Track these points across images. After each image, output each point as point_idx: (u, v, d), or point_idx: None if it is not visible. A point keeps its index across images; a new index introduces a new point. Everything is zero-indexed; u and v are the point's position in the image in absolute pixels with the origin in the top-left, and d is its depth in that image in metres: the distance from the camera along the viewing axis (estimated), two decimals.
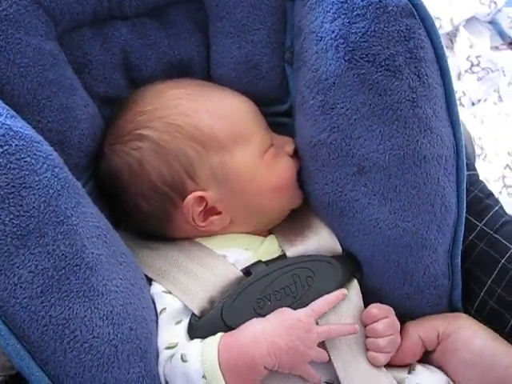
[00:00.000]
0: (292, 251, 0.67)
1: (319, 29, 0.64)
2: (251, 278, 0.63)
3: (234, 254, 0.66)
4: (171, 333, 0.61)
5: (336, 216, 0.67)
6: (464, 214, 0.66)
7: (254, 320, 0.60)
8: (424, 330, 0.64)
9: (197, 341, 0.60)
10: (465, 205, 0.66)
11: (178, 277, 0.64)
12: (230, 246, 0.67)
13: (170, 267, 0.65)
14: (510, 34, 1.23)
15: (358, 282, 0.68)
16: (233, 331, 0.60)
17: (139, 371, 0.57)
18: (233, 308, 0.61)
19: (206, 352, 0.58)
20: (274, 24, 0.71)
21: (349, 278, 0.67)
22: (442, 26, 1.23)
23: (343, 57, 0.62)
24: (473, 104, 1.22)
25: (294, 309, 0.62)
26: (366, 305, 0.67)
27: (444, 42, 1.25)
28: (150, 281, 0.65)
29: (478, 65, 1.21)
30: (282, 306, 0.62)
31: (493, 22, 1.27)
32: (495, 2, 1.22)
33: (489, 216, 0.72)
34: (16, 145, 0.53)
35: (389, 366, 0.65)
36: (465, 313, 0.71)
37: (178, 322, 0.62)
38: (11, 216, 0.51)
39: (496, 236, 0.70)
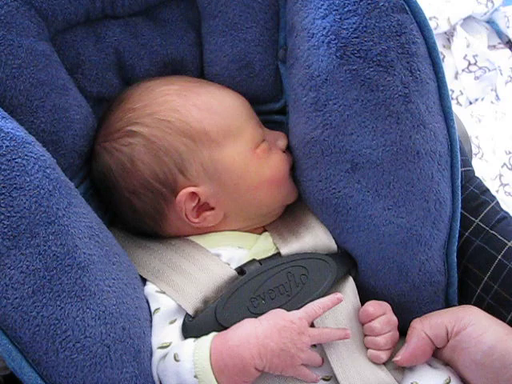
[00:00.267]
0: (286, 249, 0.66)
1: (311, 25, 0.64)
2: (245, 278, 0.63)
3: (227, 253, 0.65)
4: (165, 332, 0.61)
5: (330, 213, 0.67)
6: (459, 210, 0.66)
7: (246, 321, 0.60)
8: (431, 328, 0.62)
9: (190, 340, 0.60)
10: (460, 201, 0.66)
11: (172, 277, 0.64)
12: (223, 245, 0.67)
13: (164, 267, 0.65)
14: (507, 33, 1.23)
15: (354, 279, 0.68)
16: (225, 331, 0.60)
17: (132, 371, 0.57)
18: (226, 307, 0.61)
19: (198, 352, 0.58)
20: (266, 22, 0.71)
21: (344, 275, 0.67)
22: (439, 26, 1.23)
23: (335, 53, 0.61)
24: (470, 103, 1.21)
25: (289, 307, 0.62)
26: (362, 302, 0.67)
27: (441, 41, 1.25)
28: (144, 281, 0.65)
29: (475, 64, 1.21)
30: (276, 305, 0.62)
31: (490, 21, 1.26)
32: (492, 1, 1.22)
33: (485, 212, 0.71)
34: (7, 146, 0.53)
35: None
36: None
37: (172, 322, 0.62)
38: (2, 217, 0.51)
39: (492, 232, 0.70)
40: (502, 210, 0.72)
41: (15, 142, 0.53)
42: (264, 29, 0.71)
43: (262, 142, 0.68)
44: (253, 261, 0.65)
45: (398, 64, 0.60)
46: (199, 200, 0.66)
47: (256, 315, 0.61)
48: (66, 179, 0.58)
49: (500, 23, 1.24)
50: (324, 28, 0.62)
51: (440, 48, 1.25)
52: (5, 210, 0.51)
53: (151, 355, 0.60)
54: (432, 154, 0.63)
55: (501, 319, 0.67)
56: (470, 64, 1.21)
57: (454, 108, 1.19)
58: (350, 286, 0.67)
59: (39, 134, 0.61)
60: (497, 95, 1.18)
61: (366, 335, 0.64)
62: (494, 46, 1.24)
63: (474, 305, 0.70)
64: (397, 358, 0.62)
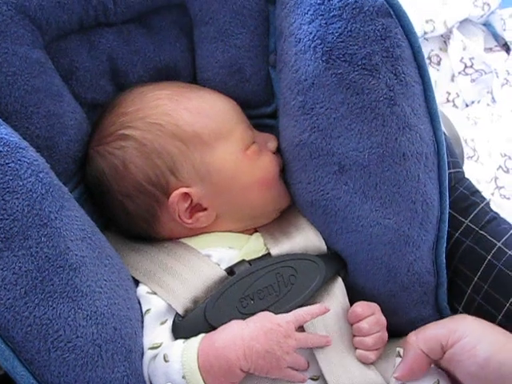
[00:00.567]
0: (277, 250, 0.68)
1: (298, 30, 0.65)
2: (234, 278, 0.64)
3: (218, 253, 0.67)
4: (156, 333, 0.62)
5: (319, 214, 0.68)
6: (447, 212, 0.67)
7: (234, 322, 0.61)
8: (426, 343, 0.62)
9: (179, 341, 0.61)
10: (448, 202, 0.67)
11: (163, 278, 0.65)
12: (214, 245, 0.68)
13: (156, 268, 0.66)
14: (503, 35, 1.23)
15: (343, 279, 0.69)
16: (212, 332, 0.61)
17: (124, 370, 0.58)
18: (216, 308, 0.62)
19: (186, 353, 0.59)
20: (256, 28, 0.72)
21: (333, 276, 0.68)
22: (436, 28, 1.23)
23: (321, 57, 0.63)
24: (466, 105, 1.22)
25: (277, 307, 0.63)
26: (351, 302, 0.67)
27: (438, 44, 1.25)
28: (137, 283, 0.66)
29: (471, 66, 1.22)
30: (265, 305, 0.63)
31: (486, 24, 1.27)
32: (488, 4, 1.22)
33: (474, 213, 0.72)
34: (0, 151, 0.54)
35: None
36: (452, 311, 0.72)
37: (163, 323, 0.63)
38: None
39: (482, 232, 0.71)
40: (491, 210, 0.73)
41: (8, 147, 0.55)
42: (254, 35, 0.72)
43: (253, 144, 0.70)
44: (242, 261, 0.66)
45: (382, 67, 0.62)
46: (192, 201, 0.67)
47: (245, 315, 0.62)
48: (59, 183, 0.60)
49: (496, 26, 1.25)
50: (310, 33, 0.63)
51: (436, 51, 1.26)
52: None
53: (143, 355, 0.61)
54: (418, 156, 0.64)
55: (491, 319, 0.68)
56: (466, 67, 1.22)
57: (451, 110, 1.20)
58: (339, 287, 0.68)
59: (34, 139, 0.63)
60: (493, 98, 1.19)
61: (354, 335, 0.65)
62: (491, 49, 1.25)
63: (465, 305, 0.71)
64: (395, 375, 0.63)
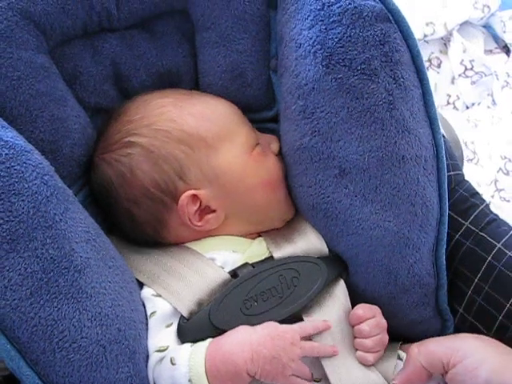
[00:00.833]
0: (279, 253, 0.68)
1: (298, 36, 0.66)
2: (237, 280, 0.64)
3: (222, 257, 0.67)
4: (161, 336, 0.63)
5: (320, 218, 0.69)
6: (447, 214, 0.68)
7: (241, 328, 0.62)
8: (426, 358, 0.62)
9: (187, 345, 0.61)
10: (447, 204, 0.67)
11: (168, 280, 0.66)
12: (218, 249, 0.68)
13: (160, 271, 0.67)
14: (503, 37, 1.24)
15: (345, 282, 0.70)
16: (220, 337, 0.61)
17: (128, 371, 0.59)
18: (220, 310, 0.63)
19: (193, 357, 0.59)
20: (258, 33, 0.73)
21: (335, 278, 0.69)
22: (436, 31, 1.24)
23: (321, 62, 0.63)
24: (467, 107, 1.22)
25: (281, 308, 0.64)
26: (353, 304, 0.68)
27: (438, 46, 1.26)
28: (141, 285, 0.67)
29: (471, 69, 1.22)
30: (268, 307, 0.64)
31: (486, 26, 1.27)
32: (489, 6, 1.23)
33: (474, 215, 0.73)
34: (6, 154, 0.55)
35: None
36: (452, 312, 0.73)
37: (169, 326, 0.63)
38: (1, 221, 0.53)
39: (482, 234, 0.72)
40: (491, 212, 0.74)
41: (14, 151, 0.56)
42: (256, 40, 0.73)
43: (257, 146, 0.71)
44: (246, 264, 0.66)
45: (381, 72, 0.62)
46: (201, 203, 0.68)
47: (249, 316, 0.63)
48: (63, 186, 0.61)
49: (496, 28, 1.25)
50: (310, 38, 0.64)
51: (437, 53, 1.27)
52: (4, 214, 0.53)
53: (147, 357, 0.62)
54: (417, 159, 0.65)
55: (492, 320, 0.69)
56: (466, 69, 1.23)
57: (451, 113, 1.21)
58: (340, 289, 0.69)
59: (38, 143, 0.64)
60: (493, 100, 1.19)
61: (355, 337, 0.66)
62: (491, 51, 1.25)
63: (466, 306, 0.72)
64: (394, 382, 0.64)
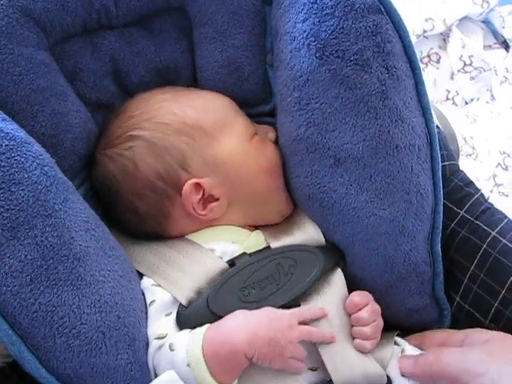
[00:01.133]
0: (276, 244, 0.69)
1: (292, 29, 0.67)
2: (235, 268, 0.65)
3: (221, 247, 0.68)
4: (161, 324, 0.64)
5: (317, 207, 0.70)
6: (441, 202, 0.68)
7: (239, 312, 0.62)
8: (438, 372, 0.63)
9: (185, 331, 0.62)
10: (441, 193, 0.68)
11: (168, 271, 0.67)
12: (218, 239, 0.69)
13: (160, 262, 0.68)
14: (502, 33, 1.24)
15: (342, 271, 0.70)
16: (218, 322, 0.62)
17: (127, 358, 0.60)
18: (218, 297, 0.63)
19: (191, 342, 0.60)
20: (253, 28, 0.74)
21: (332, 267, 0.70)
22: (435, 27, 1.24)
23: (315, 54, 0.64)
24: (466, 103, 1.23)
25: (278, 296, 0.65)
26: (349, 294, 0.69)
27: (437, 42, 1.26)
28: (141, 277, 0.68)
29: (470, 64, 1.23)
30: (265, 294, 0.65)
31: (486, 21, 1.28)
32: (488, 2, 1.23)
33: (469, 203, 0.74)
34: (6, 145, 0.57)
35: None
36: (449, 301, 0.73)
37: (168, 314, 0.64)
38: (1, 210, 0.54)
39: (477, 222, 0.72)
40: (486, 201, 0.74)
41: (14, 142, 0.57)
42: (252, 35, 0.74)
43: (255, 135, 0.72)
44: (243, 254, 0.67)
45: (374, 62, 0.63)
46: (204, 192, 0.69)
47: (247, 304, 0.64)
48: (63, 177, 0.62)
49: (495, 23, 1.26)
50: (304, 31, 0.65)
51: (436, 49, 1.27)
52: (4, 203, 0.55)
53: (147, 345, 0.63)
54: (411, 148, 0.65)
55: (488, 307, 0.70)
56: (465, 64, 1.23)
57: (450, 108, 1.21)
58: (338, 277, 0.69)
59: (40, 137, 0.65)
60: (492, 95, 1.19)
61: (353, 325, 0.66)
62: (490, 46, 1.26)
63: (462, 295, 0.73)
64: (401, 366, 0.65)
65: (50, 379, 0.57)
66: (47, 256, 0.56)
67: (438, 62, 1.26)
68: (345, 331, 0.66)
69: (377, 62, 0.63)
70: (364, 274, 0.70)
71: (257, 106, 0.78)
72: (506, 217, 0.72)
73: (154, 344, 0.62)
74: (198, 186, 0.69)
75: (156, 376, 0.61)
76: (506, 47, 1.25)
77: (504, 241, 0.69)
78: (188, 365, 0.59)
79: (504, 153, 1.13)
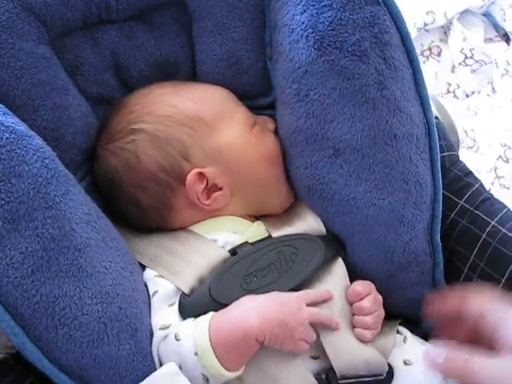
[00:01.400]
0: (278, 233, 0.70)
1: (291, 21, 0.67)
2: (237, 257, 0.66)
3: (223, 238, 0.69)
4: (164, 314, 0.64)
5: (317, 198, 0.70)
6: (441, 192, 0.69)
7: (244, 298, 0.63)
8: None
9: (189, 320, 0.62)
10: (440, 183, 0.68)
11: (170, 261, 0.67)
12: (220, 230, 0.70)
13: (162, 253, 0.68)
14: (503, 25, 1.24)
15: (343, 260, 0.71)
16: (223, 310, 0.62)
17: (129, 348, 0.60)
18: (220, 285, 0.64)
19: (197, 330, 0.60)
20: (252, 21, 0.75)
21: (333, 256, 0.70)
22: (436, 20, 1.24)
23: (313, 45, 0.65)
24: (467, 96, 1.23)
25: (280, 284, 0.65)
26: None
27: (438, 35, 1.26)
28: (143, 268, 0.68)
29: (471, 57, 1.23)
30: (267, 282, 0.65)
31: (486, 14, 1.28)
32: None
33: (469, 193, 0.74)
34: (7, 138, 0.57)
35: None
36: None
37: (171, 305, 0.64)
38: (2, 202, 0.55)
39: (476, 212, 0.73)
40: (485, 191, 0.75)
41: (15, 135, 0.58)
42: (251, 28, 0.75)
43: (255, 124, 0.73)
44: (245, 243, 0.68)
45: (371, 53, 0.64)
46: (207, 182, 0.69)
47: (249, 291, 0.64)
48: (64, 170, 0.62)
49: (496, 16, 1.25)
50: (302, 23, 0.66)
51: (437, 42, 1.27)
52: (5, 195, 0.55)
53: (150, 335, 0.63)
54: (409, 137, 0.66)
55: None
56: (466, 57, 1.23)
57: (451, 101, 1.21)
58: (340, 267, 0.70)
59: (41, 130, 0.66)
60: (493, 88, 1.19)
61: (354, 314, 0.67)
62: (491, 39, 1.26)
63: (463, 283, 0.72)
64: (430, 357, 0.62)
65: (53, 369, 0.57)
66: (48, 247, 0.56)
67: (438, 55, 1.26)
68: (346, 320, 0.66)
69: (374, 52, 0.64)
70: (364, 263, 0.71)
71: (257, 98, 0.79)
72: (505, 206, 0.72)
73: (158, 334, 0.63)
74: (201, 175, 0.69)
75: (162, 365, 0.62)
76: (507, 40, 1.25)
77: (504, 230, 0.70)
78: (196, 353, 0.59)
79: (505, 145, 1.13)
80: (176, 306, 0.64)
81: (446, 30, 1.28)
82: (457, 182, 0.75)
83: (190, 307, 0.63)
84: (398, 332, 0.70)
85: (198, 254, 0.67)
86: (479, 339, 0.59)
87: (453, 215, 0.73)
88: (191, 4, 0.75)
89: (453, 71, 1.24)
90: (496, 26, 1.28)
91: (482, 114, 1.18)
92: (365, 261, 0.70)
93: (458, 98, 1.22)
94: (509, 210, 0.72)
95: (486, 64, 1.22)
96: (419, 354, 0.69)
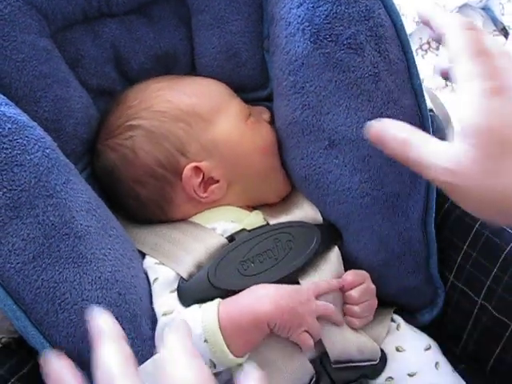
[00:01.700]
0: (275, 221, 0.71)
1: (287, 14, 0.68)
2: (234, 243, 0.67)
3: (221, 226, 0.70)
4: (166, 300, 0.65)
5: (313, 188, 0.71)
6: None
7: (257, 286, 0.64)
8: None
9: (195, 306, 0.63)
10: None
11: (171, 249, 0.68)
12: (218, 219, 0.71)
13: (162, 241, 0.70)
14: (501, 20, 1.24)
15: (339, 249, 0.72)
16: (234, 296, 0.63)
17: (128, 333, 0.61)
18: (218, 270, 0.65)
19: (206, 317, 0.61)
20: (250, 15, 0.76)
21: (329, 244, 0.71)
22: None
23: (309, 38, 0.66)
24: None
25: (276, 269, 0.66)
26: None
27: None
28: (143, 257, 0.69)
29: None
30: (264, 268, 0.66)
31: (485, 9, 1.28)
32: None
33: None
34: (9, 128, 0.58)
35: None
36: (443, 280, 0.75)
37: (173, 291, 0.65)
38: (4, 190, 0.56)
39: None
40: None
41: (17, 125, 0.59)
42: (248, 21, 0.76)
43: (250, 116, 0.74)
44: (243, 230, 0.69)
45: (367, 46, 0.65)
46: (203, 175, 0.71)
47: (246, 277, 0.65)
48: (65, 160, 0.63)
49: (495, 10, 1.25)
50: (299, 16, 0.67)
51: None
52: (7, 183, 0.56)
53: (150, 321, 0.64)
54: None
55: (480, 285, 0.71)
56: None
57: (449, 95, 1.21)
58: (335, 255, 0.71)
59: (42, 122, 0.66)
60: None
61: (345, 302, 0.68)
62: (489, 33, 1.26)
63: (456, 274, 0.74)
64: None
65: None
66: (49, 234, 0.58)
67: (437, 48, 1.26)
68: (338, 308, 0.68)
69: (369, 45, 0.65)
70: (359, 252, 0.72)
71: (255, 91, 0.80)
72: None
73: (162, 321, 0.64)
74: (197, 169, 0.70)
75: None
76: (505, 34, 1.25)
77: None
78: (205, 340, 0.60)
79: None
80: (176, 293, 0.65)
81: None
82: None
83: (188, 292, 0.65)
84: (391, 320, 0.71)
85: (198, 241, 0.68)
86: None
87: (447, 204, 0.75)
88: None
89: None
90: (494, 20, 1.28)
91: None
92: (360, 249, 0.72)
93: (455, 91, 1.22)
94: None
95: None
96: (412, 341, 0.71)
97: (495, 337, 0.71)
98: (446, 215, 0.74)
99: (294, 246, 0.68)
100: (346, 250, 0.72)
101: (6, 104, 0.61)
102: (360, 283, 0.69)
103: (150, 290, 0.66)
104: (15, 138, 0.58)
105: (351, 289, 0.68)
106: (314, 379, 0.65)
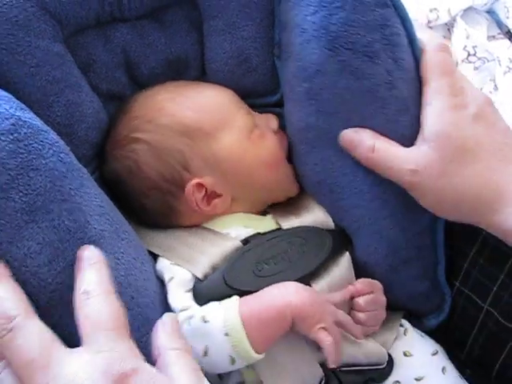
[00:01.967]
0: (288, 225, 0.72)
1: (303, 22, 0.69)
2: (249, 245, 0.68)
3: (235, 231, 0.71)
4: (182, 298, 0.65)
5: (326, 193, 0.72)
6: None
7: (277, 284, 0.64)
8: None
9: (215, 303, 0.64)
10: None
11: (184, 251, 0.69)
12: (231, 225, 0.72)
13: (177, 244, 0.70)
14: (506, 23, 1.25)
15: (350, 254, 0.72)
16: (254, 294, 0.64)
17: (140, 337, 0.61)
18: (233, 271, 0.66)
19: (227, 311, 0.62)
20: (262, 20, 0.76)
21: (340, 249, 0.72)
22: (440, 17, 1.25)
23: (325, 45, 0.66)
24: None
25: (290, 272, 0.67)
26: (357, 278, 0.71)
27: (442, 32, 1.27)
28: (155, 261, 0.70)
29: (474, 54, 1.24)
30: (278, 269, 0.67)
31: (490, 12, 1.29)
32: None
33: None
34: (24, 133, 0.58)
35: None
36: (450, 285, 0.76)
37: (188, 291, 0.66)
38: (20, 194, 0.56)
39: None
40: None
41: (32, 130, 0.59)
42: (260, 27, 0.76)
43: (255, 128, 0.74)
44: (257, 234, 0.70)
45: (382, 54, 0.65)
46: (206, 190, 0.71)
47: (260, 278, 0.66)
48: (78, 164, 0.63)
49: (500, 13, 1.26)
50: (314, 23, 0.67)
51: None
52: (23, 188, 0.56)
53: None
54: (415, 137, 0.67)
55: (487, 291, 0.72)
56: (469, 55, 1.24)
57: None
58: (346, 260, 0.72)
59: (55, 126, 0.66)
60: (495, 85, 1.20)
61: (351, 308, 0.69)
62: (494, 37, 1.26)
63: (462, 280, 0.75)
64: None
65: None
66: (64, 239, 0.58)
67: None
68: (346, 312, 0.68)
69: (385, 53, 0.65)
70: (368, 257, 0.73)
71: (264, 96, 0.80)
72: None
73: (181, 316, 0.63)
74: (199, 185, 0.71)
75: None
76: (510, 37, 1.26)
77: None
78: (226, 334, 0.61)
79: None
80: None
81: (449, 27, 1.28)
82: None
83: (203, 292, 0.65)
84: (400, 325, 0.72)
85: (214, 245, 0.69)
86: None
87: None
88: (202, 3, 0.76)
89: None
90: (499, 24, 1.28)
91: None
92: (369, 254, 0.72)
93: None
94: None
95: (488, 61, 1.23)
96: (419, 346, 0.72)
97: (500, 343, 0.72)
98: (453, 221, 0.75)
99: (307, 250, 0.69)
100: (355, 255, 0.73)
101: (22, 109, 0.61)
102: (369, 292, 0.69)
103: (162, 294, 0.67)
104: (31, 142, 0.58)
105: (359, 296, 0.69)
106: (323, 381, 0.66)
